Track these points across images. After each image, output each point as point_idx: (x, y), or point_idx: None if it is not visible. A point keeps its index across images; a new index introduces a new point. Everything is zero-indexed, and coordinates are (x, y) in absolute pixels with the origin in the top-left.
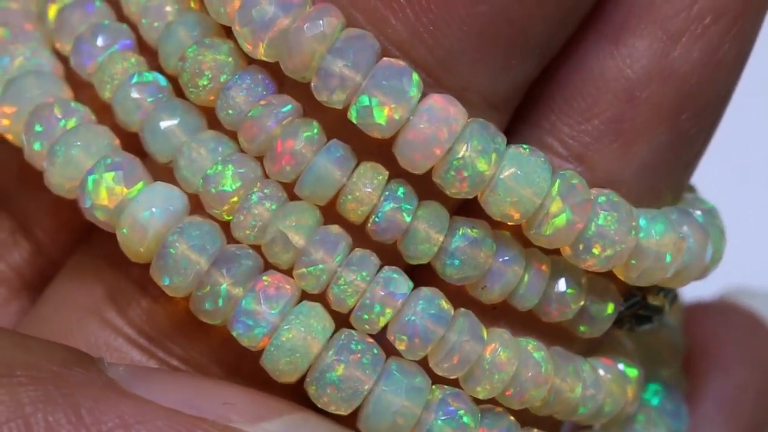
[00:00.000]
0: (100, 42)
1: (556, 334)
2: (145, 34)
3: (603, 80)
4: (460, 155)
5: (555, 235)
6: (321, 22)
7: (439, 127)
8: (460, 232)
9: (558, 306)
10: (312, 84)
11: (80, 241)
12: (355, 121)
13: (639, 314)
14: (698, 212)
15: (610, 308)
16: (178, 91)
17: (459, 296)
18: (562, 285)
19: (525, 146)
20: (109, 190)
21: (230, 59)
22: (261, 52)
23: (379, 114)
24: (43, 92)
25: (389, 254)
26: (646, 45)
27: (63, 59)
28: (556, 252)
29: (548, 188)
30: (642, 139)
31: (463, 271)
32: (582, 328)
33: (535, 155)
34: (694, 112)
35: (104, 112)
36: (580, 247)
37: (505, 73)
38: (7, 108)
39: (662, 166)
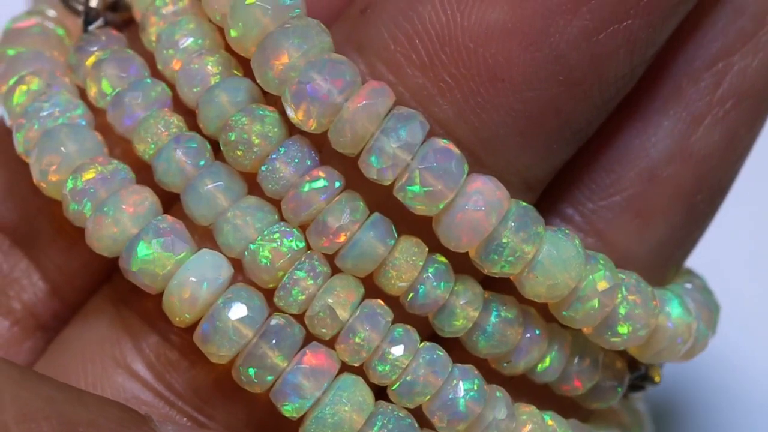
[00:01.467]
0: (139, 99)
1: (557, 400)
2: (183, 94)
3: (628, 158)
4: (504, 239)
5: (584, 317)
6: (374, 102)
7: (488, 212)
8: (495, 311)
9: (575, 382)
10: (361, 161)
11: (96, 285)
12: (401, 199)
13: (635, 384)
14: (697, 289)
15: (622, 386)
16: (215, 148)
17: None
18: (581, 362)
19: (562, 231)
20: (157, 256)
21: (276, 130)
22: (311, 127)
23: (427, 194)
24: (80, 147)
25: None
26: (670, 126)
27: (95, 109)
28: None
29: (583, 273)
30: (659, 218)
31: (493, 348)
32: (593, 403)
33: (571, 240)
34: (709, 193)
35: (140, 168)
36: (606, 328)
37: (545, 157)
38: (43, 159)
39: (675, 243)
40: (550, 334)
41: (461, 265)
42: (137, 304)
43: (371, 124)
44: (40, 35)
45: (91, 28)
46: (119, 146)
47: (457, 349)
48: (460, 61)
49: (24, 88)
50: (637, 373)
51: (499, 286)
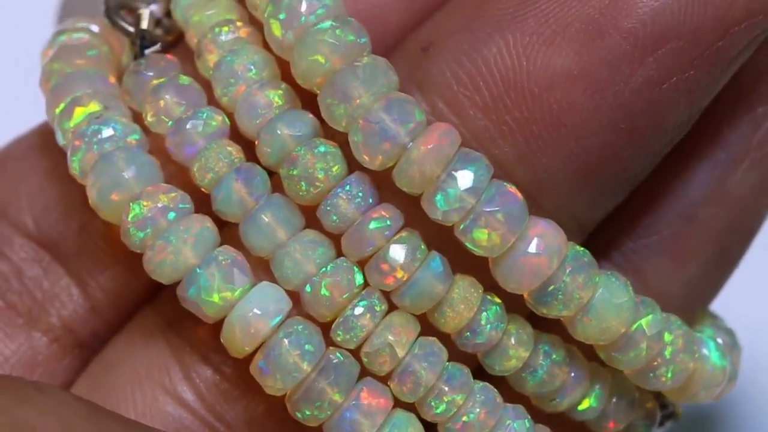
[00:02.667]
0: (200, 128)
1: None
2: (243, 125)
3: (667, 199)
4: (561, 283)
5: (631, 360)
6: (442, 144)
7: (549, 257)
8: (544, 352)
9: (611, 422)
10: (426, 201)
11: (137, 305)
12: (465, 242)
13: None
14: (723, 330)
15: (653, 425)
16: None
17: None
18: (618, 401)
19: (614, 274)
20: (219, 287)
21: (337, 166)
22: (376, 165)
23: (491, 236)
24: (138, 172)
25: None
26: (709, 168)
27: (147, 133)
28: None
29: (634, 318)
30: (694, 258)
31: (540, 387)
32: None
33: (623, 285)
34: (742, 235)
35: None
36: (650, 371)
37: (599, 201)
38: (101, 183)
39: (707, 283)
40: (592, 373)
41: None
42: (186, 331)
43: (438, 167)
44: (93, 54)
45: (148, 52)
46: (172, 170)
47: (502, 385)
48: (524, 105)
49: (82, 109)
50: (665, 411)
51: (543, 323)
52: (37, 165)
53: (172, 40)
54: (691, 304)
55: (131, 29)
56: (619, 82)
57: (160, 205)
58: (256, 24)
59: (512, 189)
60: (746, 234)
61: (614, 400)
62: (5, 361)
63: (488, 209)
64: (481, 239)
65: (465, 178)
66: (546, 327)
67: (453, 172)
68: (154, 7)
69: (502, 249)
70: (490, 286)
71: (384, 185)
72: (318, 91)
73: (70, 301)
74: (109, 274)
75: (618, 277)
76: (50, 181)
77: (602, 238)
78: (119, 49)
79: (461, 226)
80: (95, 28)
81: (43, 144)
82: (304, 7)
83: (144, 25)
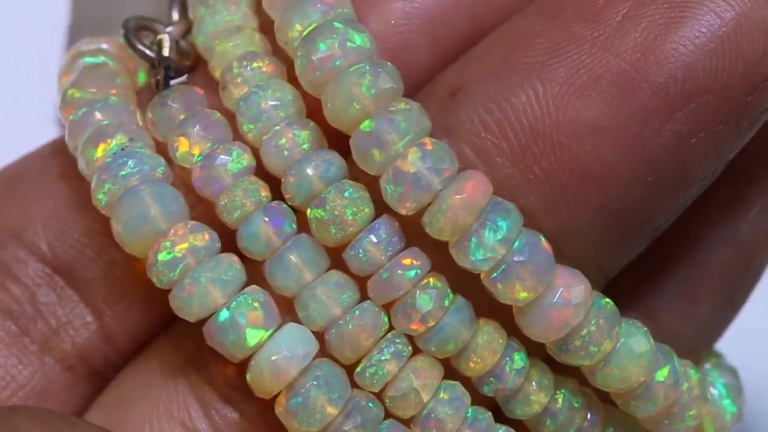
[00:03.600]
0: (228, 165)
1: None
2: (270, 163)
3: (683, 241)
4: (584, 334)
5: (648, 407)
6: (475, 194)
7: (576, 309)
8: (564, 397)
9: None
10: (456, 249)
11: (152, 335)
12: (491, 290)
13: None
14: (727, 370)
15: None
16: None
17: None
18: None
19: (635, 323)
20: (248, 329)
21: (366, 210)
22: (408, 211)
23: (519, 288)
24: (165, 209)
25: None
26: (723, 210)
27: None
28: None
29: (653, 368)
30: (706, 301)
31: (557, 431)
32: None
33: (644, 334)
34: (750, 278)
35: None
36: (665, 417)
37: (623, 250)
38: (127, 219)
39: (715, 325)
40: (607, 416)
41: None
42: (206, 368)
43: (471, 217)
44: (116, 82)
45: (173, 83)
46: (192, 200)
47: (520, 428)
48: (552, 156)
49: (108, 141)
50: None
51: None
52: (53, 189)
53: (191, 64)
54: (700, 345)
55: (151, 54)
56: (649, 136)
57: (190, 246)
58: (279, 55)
59: (543, 242)
60: (754, 279)
61: None
62: (20, 388)
63: (518, 260)
64: (509, 290)
65: (497, 229)
66: (561, 368)
67: (485, 222)
68: (171, 29)
69: (528, 300)
70: (513, 329)
71: (410, 226)
72: (349, 132)
73: (84, 328)
74: (125, 304)
75: (639, 325)
76: (67, 206)
77: (617, 278)
78: (134, 69)
79: (491, 276)
80: (112, 49)
81: (58, 165)
82: (338, 47)
83: (166, 52)
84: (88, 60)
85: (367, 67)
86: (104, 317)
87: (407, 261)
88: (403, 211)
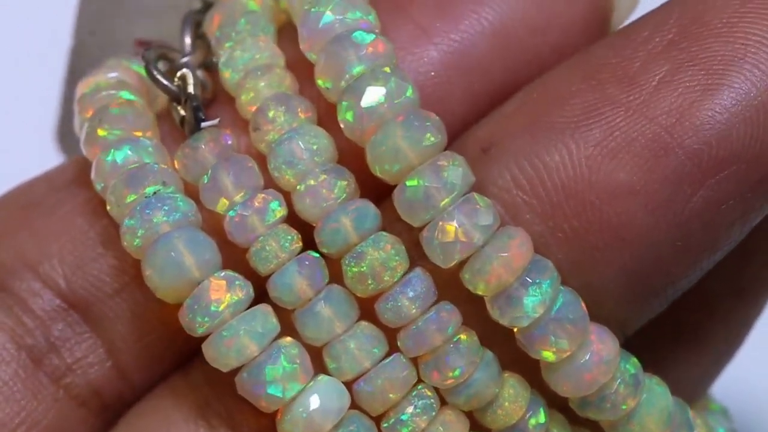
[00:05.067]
0: (264, 216)
1: None
2: (305, 211)
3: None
4: (611, 393)
5: None
6: (517, 254)
7: (606, 369)
8: None
9: None
10: (495, 306)
11: (166, 372)
12: (527, 349)
13: None
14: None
15: None
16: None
17: None
18: None
19: (656, 379)
20: (283, 381)
21: (402, 264)
22: (449, 266)
23: (553, 346)
24: (199, 259)
25: None
26: (728, 261)
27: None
28: None
29: (673, 424)
30: (710, 348)
31: None
32: None
33: (664, 389)
34: (750, 324)
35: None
36: None
37: (644, 310)
38: (160, 266)
39: (715, 371)
40: None
41: None
42: (228, 415)
43: (512, 275)
44: (143, 120)
45: (204, 125)
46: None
47: None
48: (582, 215)
49: (143, 185)
50: None
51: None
52: (70, 223)
53: (210, 97)
54: (701, 392)
55: (174, 89)
56: (680, 202)
57: (227, 297)
58: (305, 94)
59: (581, 302)
60: (752, 322)
61: None
62: (35, 425)
63: (555, 320)
64: (543, 348)
65: (538, 289)
66: (577, 417)
67: (527, 281)
68: (189, 60)
69: (563, 357)
70: (533, 379)
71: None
72: (392, 183)
73: (99, 365)
74: (143, 343)
75: (660, 382)
76: (85, 243)
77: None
78: (150, 97)
79: (526, 334)
80: (132, 80)
81: (74, 197)
82: (385, 96)
83: (191, 88)
84: (108, 93)
85: (414, 119)
86: (120, 355)
87: (444, 315)
88: (444, 266)
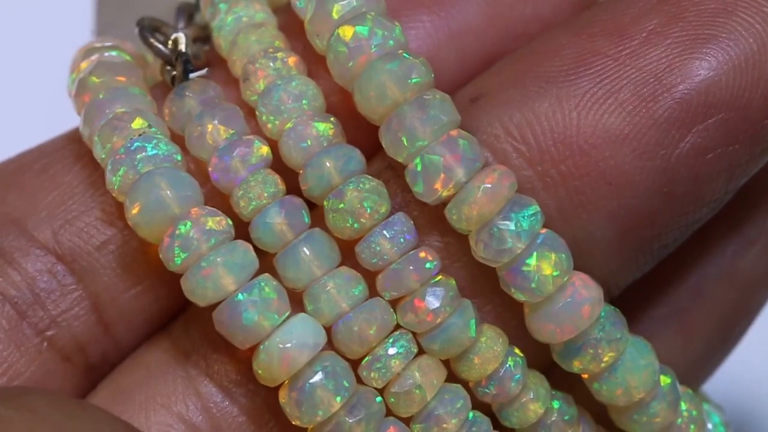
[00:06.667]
0: (246, 157)
1: None
2: (289, 155)
3: (679, 273)
4: (592, 339)
5: (648, 424)
6: (500, 185)
7: (590, 308)
8: (559, 409)
9: None
10: (476, 240)
11: (152, 331)
12: (510, 285)
13: None
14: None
15: None
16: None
17: None
18: None
19: (640, 337)
20: (260, 315)
21: (384, 205)
22: (432, 200)
23: (539, 278)
24: (180, 194)
25: None
26: (722, 247)
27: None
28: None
29: (656, 382)
30: (700, 335)
31: None
32: None
33: (649, 347)
34: (746, 318)
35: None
36: None
37: (630, 267)
38: (142, 202)
39: (708, 361)
40: None
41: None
42: (205, 363)
43: (495, 207)
44: (134, 73)
45: (192, 76)
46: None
47: None
48: (570, 160)
49: (125, 125)
50: None
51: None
52: (59, 179)
53: (200, 65)
54: (693, 380)
55: (166, 51)
56: (667, 146)
57: (206, 228)
58: (299, 52)
59: (562, 241)
60: (750, 316)
61: None
62: (18, 376)
63: (540, 251)
64: (528, 281)
65: (519, 222)
66: (559, 385)
67: (509, 214)
68: (181, 28)
69: (545, 294)
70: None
71: (425, 228)
72: (378, 123)
73: (84, 318)
74: (128, 296)
75: (644, 340)
76: (73, 196)
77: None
78: (146, 70)
79: (509, 268)
80: (126, 48)
81: (65, 159)
82: (373, 36)
83: (183, 48)
84: (105, 53)
85: (401, 58)
86: (105, 308)
87: (422, 255)
88: (427, 200)
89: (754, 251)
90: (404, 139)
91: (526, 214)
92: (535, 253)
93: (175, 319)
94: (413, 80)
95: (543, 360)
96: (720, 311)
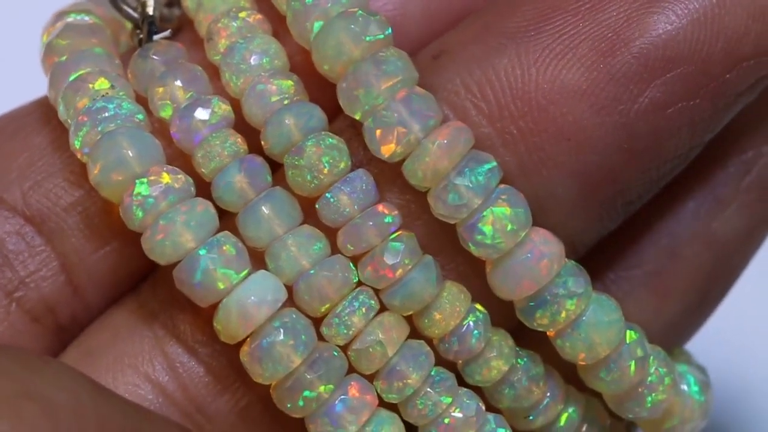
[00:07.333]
0: (206, 116)
1: None
2: (251, 113)
3: (651, 233)
4: (554, 294)
5: (616, 383)
6: (455, 140)
7: (549, 263)
8: (524, 367)
9: None
10: (433, 197)
11: (120, 293)
12: (468, 242)
13: None
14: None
15: None
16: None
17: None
18: (589, 428)
19: (606, 294)
20: (219, 272)
21: (344, 160)
22: (388, 156)
23: (495, 233)
24: (142, 152)
25: None
26: (695, 206)
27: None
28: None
29: (622, 339)
30: (676, 297)
31: (515, 402)
32: None
33: (614, 304)
34: (724, 279)
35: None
36: (632, 397)
37: (594, 224)
38: (104, 161)
39: (686, 324)
40: (567, 395)
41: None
42: (172, 323)
43: (450, 162)
44: (100, 34)
45: (156, 38)
46: (171, 154)
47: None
48: (529, 116)
49: (88, 85)
50: None
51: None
52: (29, 142)
53: (172, 28)
54: (670, 342)
55: (135, 15)
56: (626, 101)
57: (164, 185)
58: (264, 14)
59: (522, 196)
60: (729, 278)
61: (586, 426)
62: None
63: (496, 206)
64: (485, 237)
65: (475, 177)
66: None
67: (464, 169)
68: None
69: (503, 249)
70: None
71: (386, 187)
72: (336, 81)
73: (53, 279)
74: (96, 256)
75: (609, 297)
76: (42, 158)
77: (584, 266)
78: (117, 33)
79: (467, 224)
80: (97, 11)
81: (36, 122)
82: None
83: (150, 11)
84: (73, 16)
85: (359, 15)
86: (74, 269)
87: (380, 209)
88: (384, 156)
89: (729, 212)
90: (360, 96)
91: (482, 170)
92: (491, 209)
93: (144, 280)
94: (369, 37)
95: (513, 320)
96: (696, 273)
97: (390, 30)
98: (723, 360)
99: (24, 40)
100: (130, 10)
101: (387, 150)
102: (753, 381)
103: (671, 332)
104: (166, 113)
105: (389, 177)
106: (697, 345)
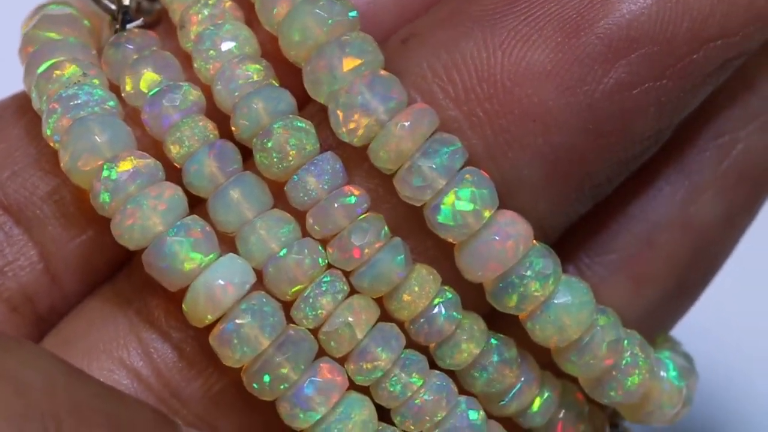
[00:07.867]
0: (177, 102)
1: None
2: (221, 98)
3: (626, 218)
4: (523, 276)
5: (588, 366)
6: (419, 122)
7: (516, 244)
8: (496, 350)
9: (561, 429)
10: (398, 178)
11: (97, 282)
12: (431, 222)
13: None
14: (680, 355)
15: None
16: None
17: None
18: (567, 413)
19: (576, 277)
20: (187, 255)
21: (312, 143)
22: (354, 139)
23: (458, 215)
24: (112, 138)
25: None
26: (671, 192)
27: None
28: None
29: (594, 321)
30: (653, 284)
31: (489, 386)
32: None
33: (585, 286)
34: (705, 266)
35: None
36: (606, 382)
37: (563, 207)
38: (74, 147)
39: (665, 312)
40: (542, 380)
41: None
42: (146, 308)
43: (414, 144)
44: (76, 25)
45: (130, 26)
46: (146, 143)
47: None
48: (495, 98)
49: (60, 73)
50: (615, 430)
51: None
52: (6, 134)
53: (151, 21)
54: (650, 330)
55: (112, 6)
56: (591, 82)
57: (132, 169)
58: (237, 2)
59: (485, 174)
60: (709, 266)
61: (562, 412)
62: None
63: (460, 187)
64: (448, 218)
65: (438, 158)
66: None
67: (428, 150)
68: None
69: (469, 231)
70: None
71: (355, 171)
72: (302, 65)
73: (31, 268)
74: (72, 245)
75: (580, 279)
76: (19, 149)
77: (558, 252)
78: (98, 27)
79: (430, 206)
80: (77, 4)
81: (12, 115)
82: None
83: (126, 1)
84: (53, 8)
85: (325, 0)
86: (52, 258)
87: (346, 193)
88: (349, 139)
89: (706, 197)
90: (323, 78)
91: (447, 151)
92: (454, 190)
93: (121, 269)
94: (333, 21)
95: (487, 306)
96: (673, 259)
97: (355, 13)
98: (716, 351)
99: (7, 36)
100: (107, 2)
101: (350, 134)
102: (747, 373)
103: (649, 319)
104: (138, 101)
105: (357, 162)
106: (698, 338)
